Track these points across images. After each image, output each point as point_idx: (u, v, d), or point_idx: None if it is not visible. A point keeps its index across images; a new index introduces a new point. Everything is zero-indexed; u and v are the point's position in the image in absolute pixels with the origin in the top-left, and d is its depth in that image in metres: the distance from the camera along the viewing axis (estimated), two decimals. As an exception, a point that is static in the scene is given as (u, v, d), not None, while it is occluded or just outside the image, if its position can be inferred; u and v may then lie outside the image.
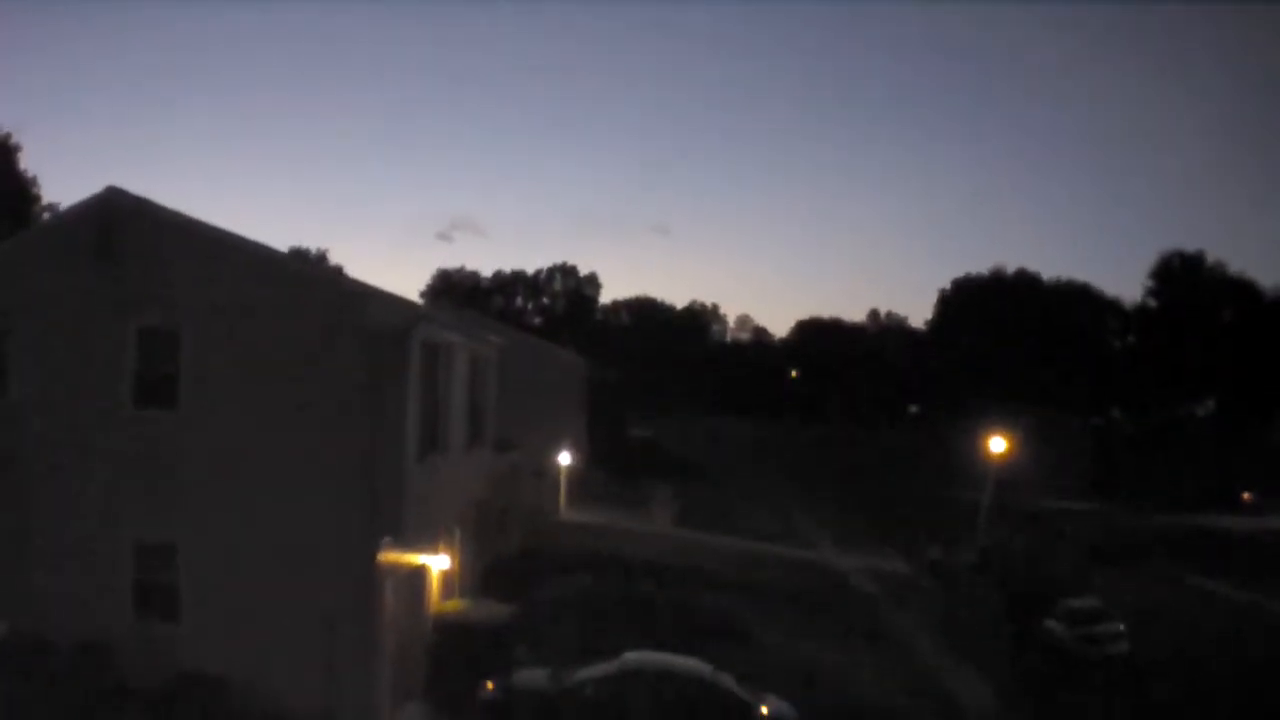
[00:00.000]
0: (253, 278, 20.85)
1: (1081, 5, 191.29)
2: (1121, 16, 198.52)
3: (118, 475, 20.46)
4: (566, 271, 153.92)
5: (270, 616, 19.77)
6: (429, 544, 22.74)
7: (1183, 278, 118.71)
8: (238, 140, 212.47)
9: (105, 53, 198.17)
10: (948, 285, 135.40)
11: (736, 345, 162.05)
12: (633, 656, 22.80)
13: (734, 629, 29.21)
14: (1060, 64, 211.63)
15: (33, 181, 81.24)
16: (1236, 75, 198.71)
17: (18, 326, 20.98)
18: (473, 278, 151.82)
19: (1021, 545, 50.31)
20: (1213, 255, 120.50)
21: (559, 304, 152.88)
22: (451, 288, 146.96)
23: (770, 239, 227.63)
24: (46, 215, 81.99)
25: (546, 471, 47.66)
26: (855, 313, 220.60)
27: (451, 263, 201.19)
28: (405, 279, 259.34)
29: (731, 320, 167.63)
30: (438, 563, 23.44)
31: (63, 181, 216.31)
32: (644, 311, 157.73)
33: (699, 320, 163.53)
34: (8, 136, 77.73)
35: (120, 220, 20.75)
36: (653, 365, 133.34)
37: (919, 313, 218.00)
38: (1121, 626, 35.33)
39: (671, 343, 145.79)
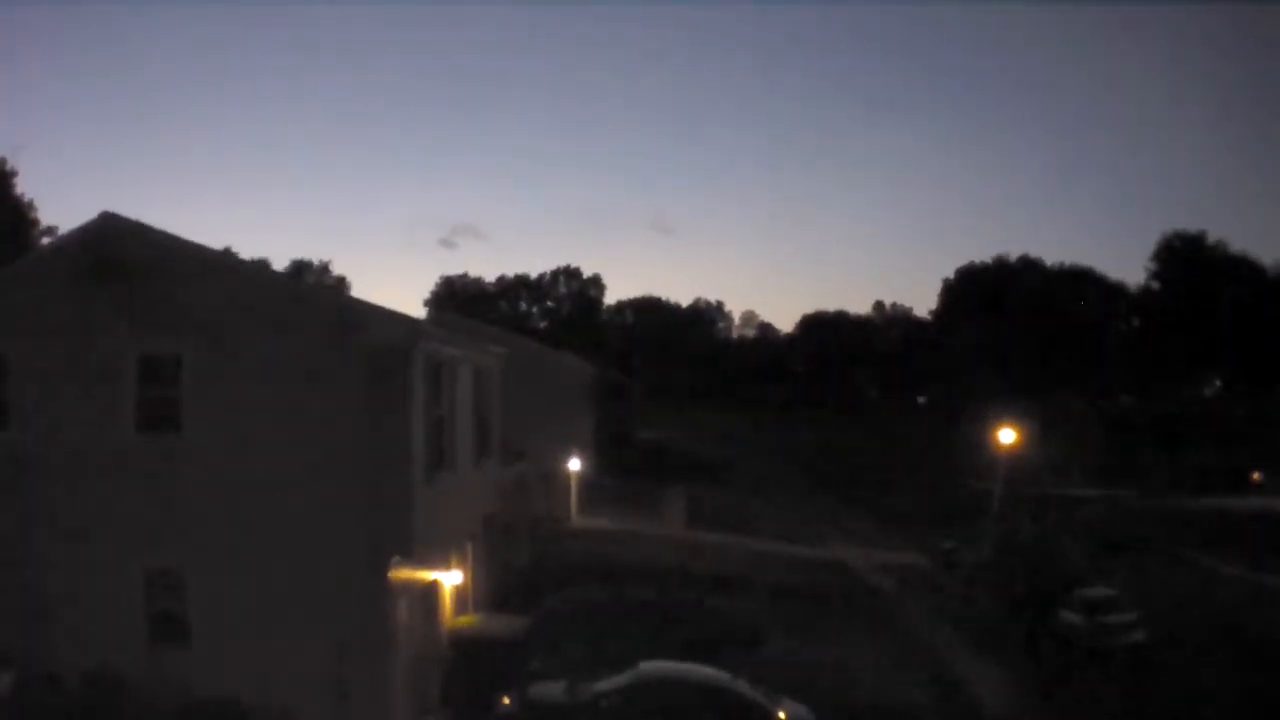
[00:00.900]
0: (253, 301, 20.90)
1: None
2: (1115, 4, 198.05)
3: (123, 502, 20.43)
4: (570, 274, 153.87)
5: (282, 639, 19.73)
6: (441, 560, 22.70)
7: (1185, 258, 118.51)
8: (236, 152, 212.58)
9: (99, 67, 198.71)
10: (951, 274, 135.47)
11: (742, 342, 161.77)
12: (649, 666, 22.73)
13: (749, 633, 29.11)
14: (1057, 49, 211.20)
15: (29, 205, 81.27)
16: (1232, 55, 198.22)
17: (17, 356, 20.95)
18: (476, 284, 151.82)
19: (1035, 535, 50.16)
20: (1214, 235, 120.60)
21: (564, 307, 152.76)
22: (455, 295, 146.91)
23: (773, 234, 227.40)
24: (45, 239, 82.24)
25: (555, 477, 47.56)
26: (860, 305, 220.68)
27: (454, 269, 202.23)
28: (408, 287, 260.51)
29: (736, 317, 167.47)
30: (450, 578, 23.44)
31: (59, 201, 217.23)
32: (649, 311, 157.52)
33: (704, 318, 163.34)
34: (3, 161, 77.68)
35: (117, 245, 20.75)
36: (659, 365, 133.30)
37: (924, 303, 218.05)
38: (1136, 615, 35.23)
39: (677, 341, 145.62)
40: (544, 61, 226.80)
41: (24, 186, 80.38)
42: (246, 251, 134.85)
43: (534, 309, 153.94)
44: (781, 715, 22.12)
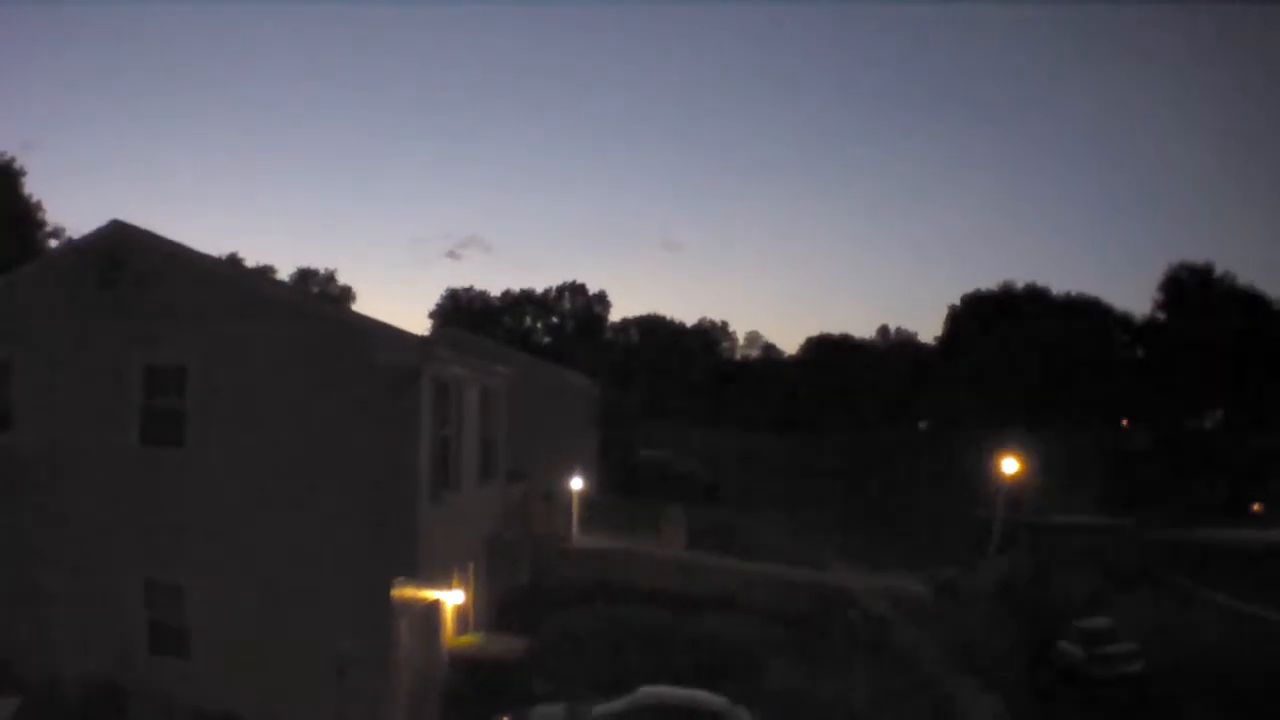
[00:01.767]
0: (263, 316, 20.90)
1: (1082, 21, 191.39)
2: (1124, 31, 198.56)
3: (125, 512, 20.55)
4: (576, 290, 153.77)
5: (283, 655, 19.83)
6: (443, 579, 22.75)
7: (1192, 290, 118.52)
8: (243, 157, 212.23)
9: (107, 72, 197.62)
10: (957, 301, 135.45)
11: (746, 362, 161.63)
12: (648, 691, 22.75)
13: (748, 659, 29.09)
14: (1066, 77, 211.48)
15: (37, 206, 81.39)
16: (1243, 85, 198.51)
17: (22, 362, 21.05)
18: (482, 298, 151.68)
19: (1034, 566, 50.12)
20: (1221, 267, 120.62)
21: (568, 322, 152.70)
22: (460, 308, 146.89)
23: (779, 255, 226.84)
24: (52, 241, 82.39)
25: (557, 496, 47.56)
26: (865, 329, 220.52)
27: (460, 280, 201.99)
28: (414, 298, 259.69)
29: (740, 337, 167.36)
30: (452, 598, 23.47)
31: (65, 203, 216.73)
32: (653, 329, 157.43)
33: (708, 337, 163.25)
34: (11, 161, 77.81)
35: (125, 254, 20.86)
36: (662, 383, 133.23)
37: (928, 329, 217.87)
38: (1135, 645, 35.23)
39: (681, 360, 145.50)
40: (555, 76, 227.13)
41: (31, 187, 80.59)
42: (252, 258, 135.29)
43: (539, 324, 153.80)
44: (778, 743, 22.18)
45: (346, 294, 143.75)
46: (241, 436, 20.35)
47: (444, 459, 22.86)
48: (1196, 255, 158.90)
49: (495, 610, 29.61)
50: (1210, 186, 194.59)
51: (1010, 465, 46.63)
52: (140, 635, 20.56)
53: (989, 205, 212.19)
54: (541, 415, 44.62)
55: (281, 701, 19.56)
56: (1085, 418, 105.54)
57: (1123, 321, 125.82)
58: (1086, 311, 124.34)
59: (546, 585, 35.12)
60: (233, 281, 22.13)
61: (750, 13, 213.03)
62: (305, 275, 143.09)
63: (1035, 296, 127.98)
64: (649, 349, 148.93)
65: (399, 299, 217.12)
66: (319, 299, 36.16)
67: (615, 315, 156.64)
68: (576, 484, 49.58)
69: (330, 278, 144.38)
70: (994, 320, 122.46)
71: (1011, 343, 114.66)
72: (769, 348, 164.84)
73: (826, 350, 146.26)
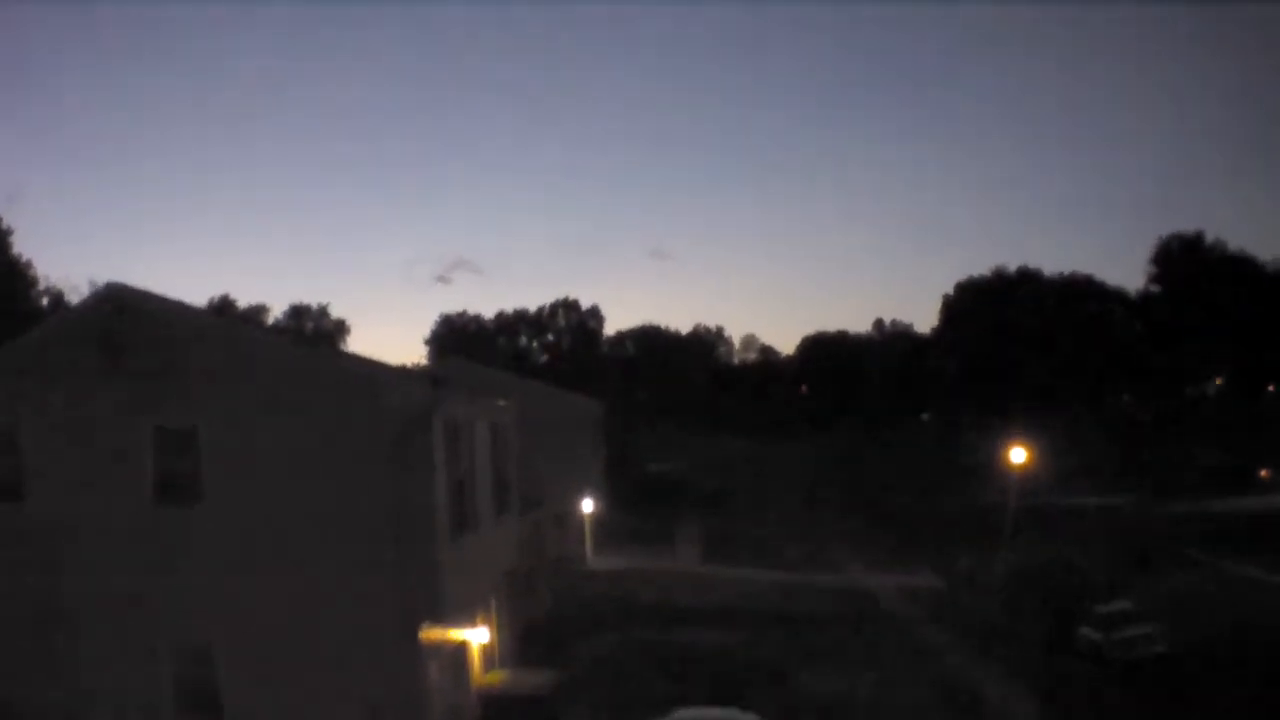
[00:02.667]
0: (265, 371, 20.88)
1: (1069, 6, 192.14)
2: (1109, 16, 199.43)
3: (146, 575, 20.45)
4: (569, 306, 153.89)
5: (314, 706, 19.83)
6: (468, 619, 22.87)
7: (1183, 260, 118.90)
8: (228, 197, 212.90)
9: (88, 112, 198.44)
10: (951, 290, 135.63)
11: (744, 367, 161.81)
12: (684, 714, 22.88)
13: (773, 669, 29.23)
14: (1053, 57, 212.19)
15: (27, 265, 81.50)
16: (1222, 53, 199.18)
17: (30, 427, 21.00)
18: (475, 321, 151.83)
19: (1050, 552, 50.21)
20: (1211, 235, 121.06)
21: (564, 340, 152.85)
22: (455, 333, 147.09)
23: (770, 256, 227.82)
24: (44, 299, 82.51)
25: (569, 519, 47.79)
26: (860, 324, 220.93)
27: (452, 304, 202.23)
28: (408, 325, 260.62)
29: (736, 341, 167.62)
30: (477, 636, 23.58)
31: (53, 253, 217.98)
32: (649, 339, 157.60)
33: (704, 344, 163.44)
34: None
35: (123, 318, 20.79)
36: (661, 394, 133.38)
37: (923, 319, 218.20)
38: (1155, 627, 35.28)
39: (679, 370, 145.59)
40: (535, 96, 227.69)
41: (19, 244, 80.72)
42: (244, 298, 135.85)
43: (534, 343, 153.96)
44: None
45: (341, 328, 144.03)
46: (257, 491, 20.27)
47: (460, 499, 22.97)
48: (1187, 225, 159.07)
49: (518, 642, 29.70)
50: (1197, 157, 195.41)
51: (1018, 455, 46.73)
52: (168, 696, 20.55)
53: (978, 192, 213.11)
54: (547, 440, 44.63)
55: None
56: (1086, 397, 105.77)
57: (1117, 296, 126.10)
58: (1080, 290, 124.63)
59: (566, 612, 35.22)
60: (234, 340, 22.10)
61: (733, 12, 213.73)
62: (298, 312, 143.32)
63: (1028, 279, 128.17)
64: (646, 361, 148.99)
65: (393, 326, 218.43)
66: (322, 348, 35.98)
67: (610, 328, 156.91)
68: (587, 506, 49.80)
69: (323, 312, 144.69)
70: (989, 306, 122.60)
71: (1007, 327, 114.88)
72: (766, 350, 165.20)
73: (823, 348, 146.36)
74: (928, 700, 29.50)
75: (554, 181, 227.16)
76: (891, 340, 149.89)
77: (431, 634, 20.42)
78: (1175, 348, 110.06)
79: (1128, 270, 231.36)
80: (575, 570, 43.34)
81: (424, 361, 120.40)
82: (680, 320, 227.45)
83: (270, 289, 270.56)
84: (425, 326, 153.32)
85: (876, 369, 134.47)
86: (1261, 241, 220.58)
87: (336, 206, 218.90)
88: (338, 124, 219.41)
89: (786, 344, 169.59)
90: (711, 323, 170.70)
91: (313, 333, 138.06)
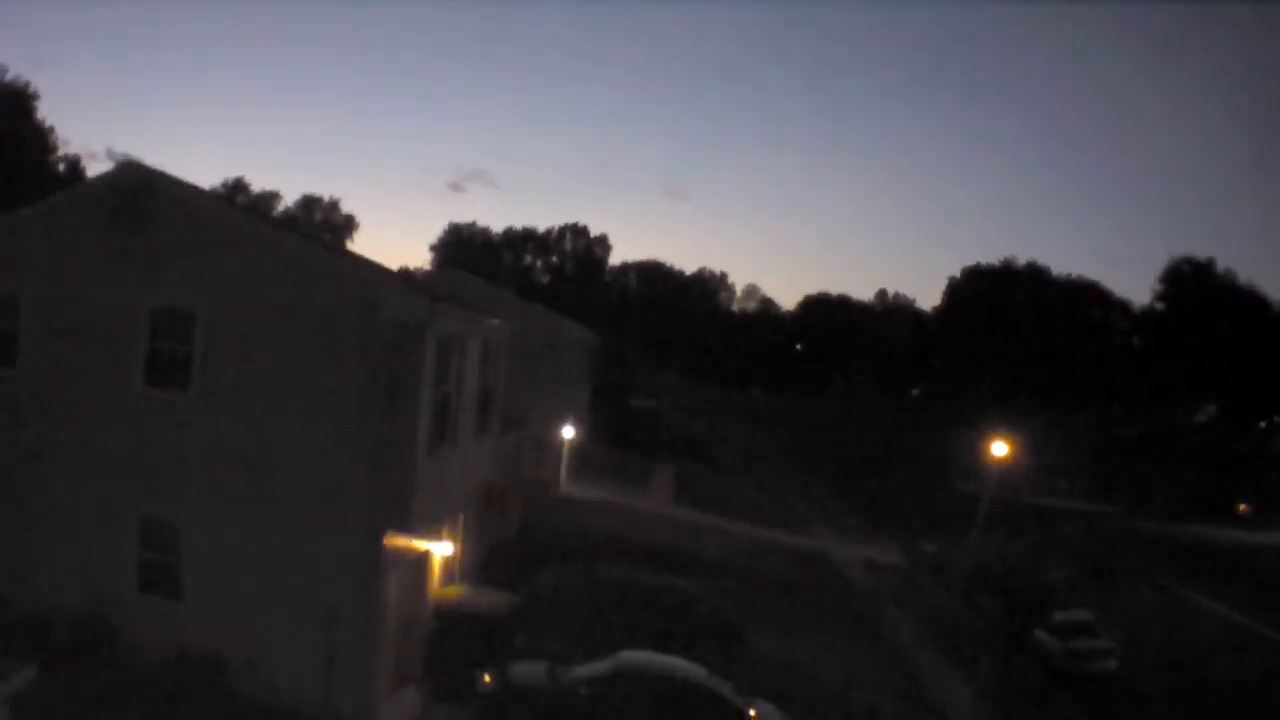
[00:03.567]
0: (270, 264, 20.60)
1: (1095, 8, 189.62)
2: (1145, 13, 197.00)
3: (126, 452, 20.46)
4: (577, 231, 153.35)
5: (273, 601, 19.81)
6: (434, 531, 22.79)
7: (1192, 284, 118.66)
8: (250, 83, 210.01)
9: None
10: (957, 272, 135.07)
11: (743, 315, 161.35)
12: (629, 656, 22.96)
13: (729, 627, 29.27)
14: (1084, 58, 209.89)
15: (50, 131, 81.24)
16: (1262, 81, 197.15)
17: (29, 298, 20.94)
18: (483, 234, 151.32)
19: (1017, 550, 50.40)
20: (1223, 263, 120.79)
21: (568, 264, 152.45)
22: (462, 243, 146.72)
23: (782, 210, 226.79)
24: (63, 167, 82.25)
25: (549, 444, 47.68)
26: (864, 291, 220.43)
27: (464, 213, 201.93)
28: (417, 229, 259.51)
29: (739, 289, 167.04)
30: (441, 550, 23.52)
31: (71, 126, 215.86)
32: (653, 275, 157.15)
33: (707, 287, 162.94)
34: (25, 86, 77.48)
35: (137, 196, 20.62)
36: (658, 331, 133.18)
37: (927, 296, 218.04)
38: (1111, 642, 35.43)
39: (678, 309, 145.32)
40: (565, 18, 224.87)
41: (43, 110, 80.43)
42: (258, 183, 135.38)
43: (538, 263, 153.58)
44: (753, 714, 22.37)
45: (350, 223, 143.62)
46: (246, 383, 20.14)
47: (443, 413, 22.79)
48: (1199, 249, 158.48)
49: (482, 561, 29.72)
50: (1218, 182, 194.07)
51: (1000, 448, 46.64)
52: (131, 573, 20.52)
53: (995, 178, 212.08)
54: (538, 364, 44.49)
55: (268, 647, 19.65)
56: (1077, 401, 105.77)
57: (1121, 308, 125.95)
58: (1085, 294, 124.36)
59: (533, 537, 35.22)
60: (244, 229, 21.81)
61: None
62: (310, 202, 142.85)
63: (1035, 274, 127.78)
64: (647, 296, 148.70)
65: (403, 229, 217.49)
66: (330, 246, 35.67)
67: (615, 259, 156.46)
68: (568, 433, 49.73)
69: (334, 205, 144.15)
70: (993, 295, 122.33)
71: (1009, 317, 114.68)
72: (767, 302, 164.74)
73: (824, 309, 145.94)
74: (878, 683, 29.68)
75: (578, 108, 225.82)
76: (892, 311, 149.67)
77: (396, 542, 20.34)
78: (1171, 368, 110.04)
79: (1134, 283, 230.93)
80: (548, 495, 43.29)
81: (427, 267, 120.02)
82: (686, 261, 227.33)
83: (284, 177, 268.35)
84: (433, 232, 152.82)
85: (874, 338, 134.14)
86: (1271, 279, 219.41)
87: (357, 103, 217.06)
88: (363, 24, 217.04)
89: (788, 299, 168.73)
90: (717, 267, 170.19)
91: (321, 224, 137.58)
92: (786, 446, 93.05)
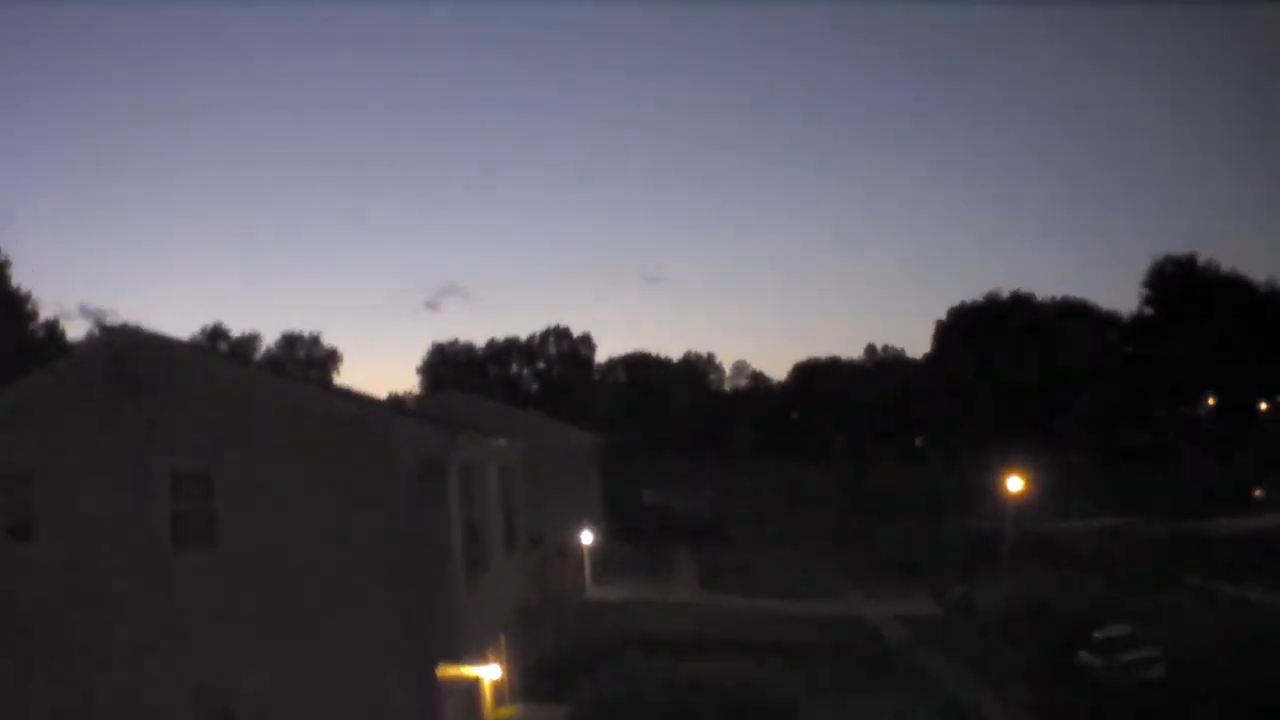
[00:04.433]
0: (277, 415, 20.99)
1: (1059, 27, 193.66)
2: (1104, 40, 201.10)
3: (165, 618, 20.50)
4: (560, 334, 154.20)
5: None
6: (480, 656, 23.14)
7: (1177, 282, 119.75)
8: (217, 224, 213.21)
9: (80, 138, 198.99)
10: (944, 315, 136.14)
11: (734, 393, 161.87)
12: None
13: (778, 702, 29.49)
14: (1035, 86, 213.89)
15: (26, 297, 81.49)
16: (1214, 70, 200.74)
17: (43, 469, 20.98)
18: (467, 350, 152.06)
19: (1046, 576, 50.54)
20: (1204, 256, 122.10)
21: (555, 368, 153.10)
22: (446, 361, 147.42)
23: (761, 283, 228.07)
24: (42, 334, 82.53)
25: (569, 552, 48.08)
26: (852, 349, 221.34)
27: (441, 329, 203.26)
28: (399, 353, 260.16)
29: (728, 368, 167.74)
30: (490, 673, 23.85)
31: (46, 286, 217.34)
32: (640, 367, 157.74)
33: (696, 370, 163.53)
34: None
35: (130, 361, 20.77)
36: (653, 422, 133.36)
37: (916, 345, 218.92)
38: (1154, 650, 35.58)
39: (670, 397, 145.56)
40: (524, 119, 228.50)
41: (17, 277, 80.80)
42: (236, 326, 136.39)
43: (524, 371, 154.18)
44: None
45: (333, 357, 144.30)
46: (276, 533, 20.39)
47: (473, 540, 23.29)
48: (1178, 247, 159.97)
49: (527, 676, 29.97)
50: (1189, 178, 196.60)
51: (1015, 482, 47.03)
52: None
53: (970, 217, 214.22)
54: (548, 474, 44.82)
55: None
56: (1079, 420, 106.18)
57: (1110, 320, 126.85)
58: (1074, 314, 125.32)
59: (569, 644, 35.43)
60: (245, 382, 22.28)
61: (724, 36, 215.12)
62: (290, 340, 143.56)
63: (1021, 303, 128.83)
64: (638, 389, 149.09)
65: (385, 354, 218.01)
66: (334, 390, 36.01)
67: (601, 354, 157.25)
68: (587, 538, 50.11)
69: (315, 340, 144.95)
70: (982, 332, 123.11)
71: (1002, 348, 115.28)
72: (757, 375, 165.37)
73: (816, 374, 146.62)
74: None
75: (542, 206, 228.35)
76: (883, 366, 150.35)
77: (447, 672, 20.71)
78: (1169, 369, 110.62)
79: (1121, 294, 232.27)
80: (577, 602, 43.58)
81: (416, 390, 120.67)
82: (671, 347, 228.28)
83: (261, 317, 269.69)
84: (416, 354, 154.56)
85: (868, 395, 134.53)
86: (1255, 262, 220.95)
87: (326, 232, 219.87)
88: (326, 147, 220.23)
89: (778, 370, 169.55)
90: (703, 349, 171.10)
91: (304, 361, 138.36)
92: (798, 515, 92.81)
